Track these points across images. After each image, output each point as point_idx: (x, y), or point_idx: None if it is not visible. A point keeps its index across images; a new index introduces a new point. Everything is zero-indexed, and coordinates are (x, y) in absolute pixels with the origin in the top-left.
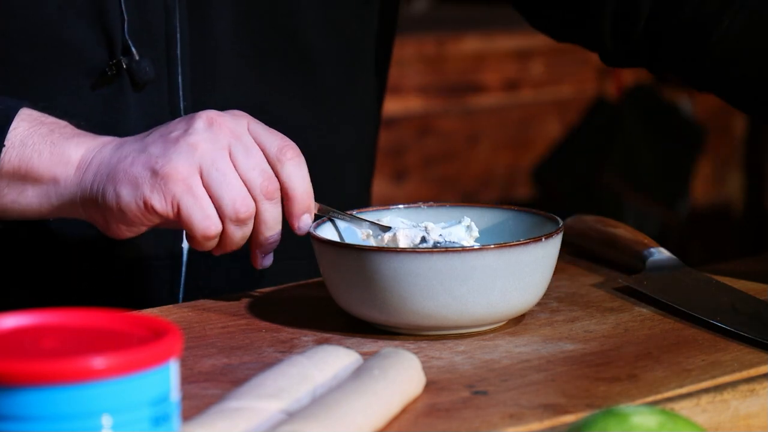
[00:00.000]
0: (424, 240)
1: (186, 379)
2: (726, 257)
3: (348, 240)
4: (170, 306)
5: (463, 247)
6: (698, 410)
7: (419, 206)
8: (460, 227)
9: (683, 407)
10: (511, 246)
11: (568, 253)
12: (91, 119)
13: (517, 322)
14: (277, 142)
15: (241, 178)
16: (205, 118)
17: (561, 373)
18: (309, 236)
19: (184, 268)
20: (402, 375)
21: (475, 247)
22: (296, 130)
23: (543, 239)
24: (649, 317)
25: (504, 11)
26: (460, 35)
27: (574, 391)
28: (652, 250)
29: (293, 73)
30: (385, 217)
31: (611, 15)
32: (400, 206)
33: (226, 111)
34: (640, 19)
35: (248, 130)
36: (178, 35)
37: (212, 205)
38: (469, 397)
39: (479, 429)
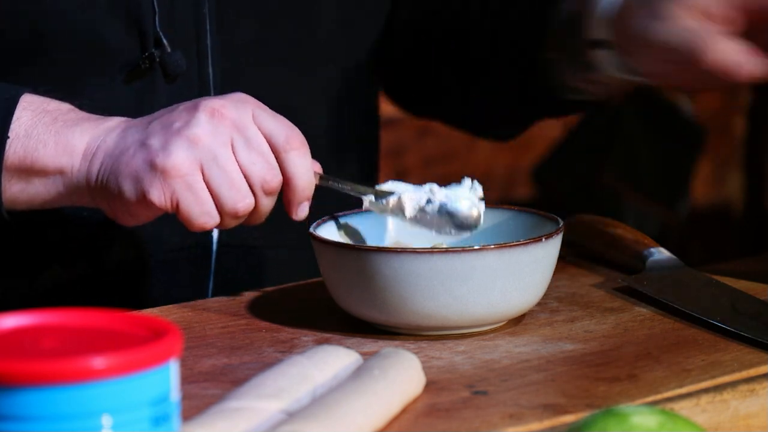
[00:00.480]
0: (429, 201)
1: (186, 379)
2: (726, 257)
3: (349, 239)
4: (170, 306)
5: (463, 247)
6: (698, 410)
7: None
8: (464, 188)
9: (683, 407)
10: (511, 246)
11: (568, 253)
12: (125, 113)
13: (517, 322)
14: (283, 130)
15: (242, 172)
16: (208, 108)
17: (561, 373)
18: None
19: (213, 261)
20: (402, 375)
21: (475, 248)
22: (311, 121)
23: (543, 239)
24: (649, 317)
25: None
26: None
27: (574, 391)
28: (652, 250)
29: (313, 68)
30: (386, 185)
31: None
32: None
33: (230, 95)
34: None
35: (253, 118)
36: (208, 27)
37: (211, 200)
38: (469, 397)
39: (479, 429)
